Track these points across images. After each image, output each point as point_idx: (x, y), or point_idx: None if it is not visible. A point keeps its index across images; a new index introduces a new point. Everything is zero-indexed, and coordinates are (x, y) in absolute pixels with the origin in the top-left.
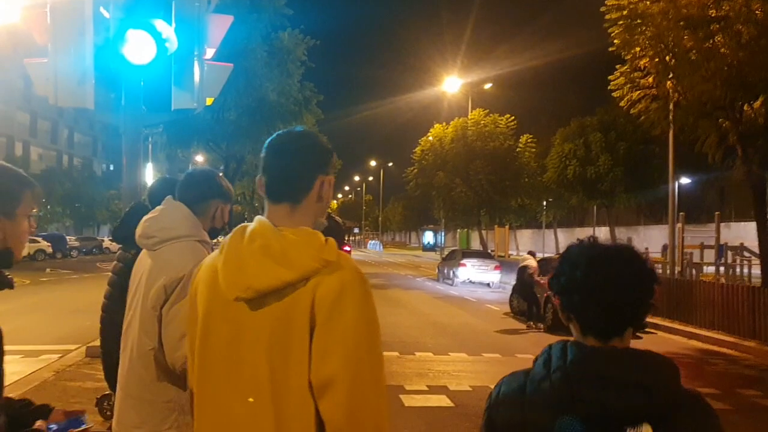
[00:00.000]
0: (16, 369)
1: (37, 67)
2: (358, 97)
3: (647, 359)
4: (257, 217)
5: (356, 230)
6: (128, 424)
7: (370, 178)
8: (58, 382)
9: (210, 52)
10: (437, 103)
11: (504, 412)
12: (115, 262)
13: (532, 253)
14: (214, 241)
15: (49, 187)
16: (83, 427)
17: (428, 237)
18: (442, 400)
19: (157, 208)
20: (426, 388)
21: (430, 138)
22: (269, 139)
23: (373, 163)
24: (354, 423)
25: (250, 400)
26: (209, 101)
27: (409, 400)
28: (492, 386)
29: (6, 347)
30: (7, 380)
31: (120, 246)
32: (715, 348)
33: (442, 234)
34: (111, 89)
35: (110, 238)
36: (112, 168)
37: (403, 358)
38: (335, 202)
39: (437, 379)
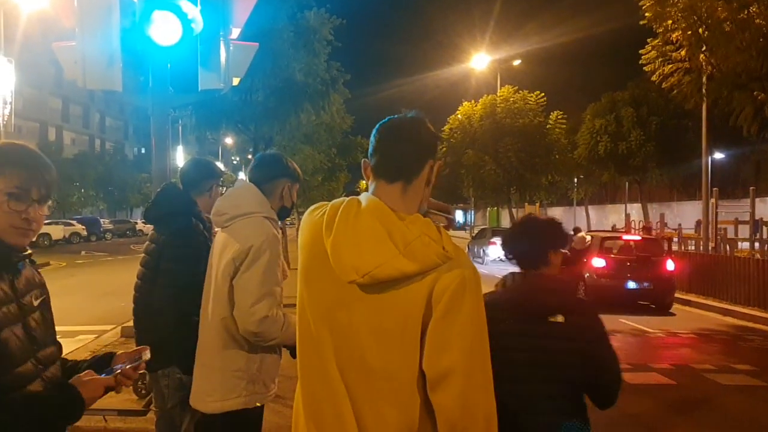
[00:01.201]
0: None
1: (65, 50)
2: (385, 75)
3: (559, 279)
4: (368, 196)
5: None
6: (200, 392)
7: None
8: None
9: (235, 32)
10: (465, 81)
11: None
12: (147, 242)
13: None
14: (288, 220)
15: (83, 171)
16: (140, 361)
17: (458, 216)
18: None
19: (230, 188)
20: None
21: (459, 116)
22: (381, 123)
23: None
24: (468, 413)
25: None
26: (236, 81)
27: None
28: None
29: None
30: None
31: (153, 227)
32: (751, 324)
33: (472, 213)
34: (139, 71)
35: (143, 219)
36: (143, 151)
37: None
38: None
39: None
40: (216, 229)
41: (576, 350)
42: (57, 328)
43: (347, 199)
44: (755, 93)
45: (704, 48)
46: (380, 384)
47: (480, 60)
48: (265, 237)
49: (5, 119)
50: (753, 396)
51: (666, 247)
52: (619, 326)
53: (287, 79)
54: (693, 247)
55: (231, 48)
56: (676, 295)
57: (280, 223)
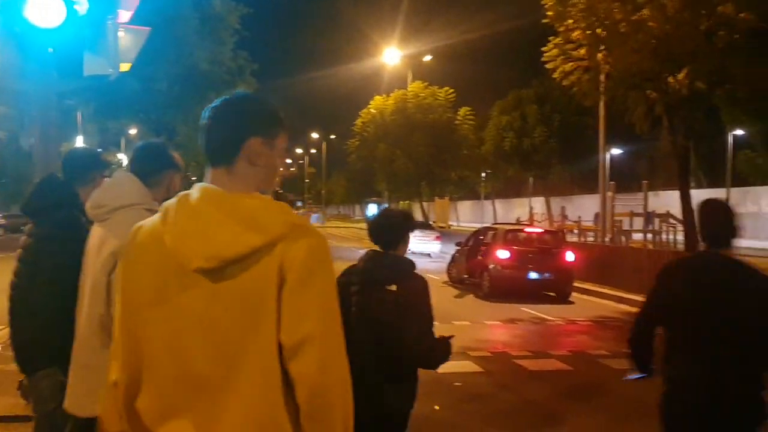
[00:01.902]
0: None
1: None
2: (299, 67)
3: (397, 256)
4: (200, 185)
5: (299, 203)
6: (78, 393)
7: (313, 151)
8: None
9: (126, 15)
10: (378, 75)
11: (341, 278)
12: (24, 237)
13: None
14: None
15: (2, 163)
16: None
17: (372, 209)
18: None
19: (107, 179)
20: None
21: (372, 110)
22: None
23: (315, 135)
24: (327, 377)
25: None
26: (126, 67)
27: None
28: None
29: None
30: None
31: (32, 221)
32: None
33: (386, 206)
34: (17, 54)
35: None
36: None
37: None
38: None
39: None
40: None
41: (400, 314)
42: None
43: (180, 194)
44: (648, 92)
45: (602, 48)
46: (249, 364)
47: (391, 55)
48: None
49: None
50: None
51: (563, 239)
52: (521, 315)
53: (191, 67)
54: (592, 239)
55: (120, 32)
56: (576, 284)
57: None
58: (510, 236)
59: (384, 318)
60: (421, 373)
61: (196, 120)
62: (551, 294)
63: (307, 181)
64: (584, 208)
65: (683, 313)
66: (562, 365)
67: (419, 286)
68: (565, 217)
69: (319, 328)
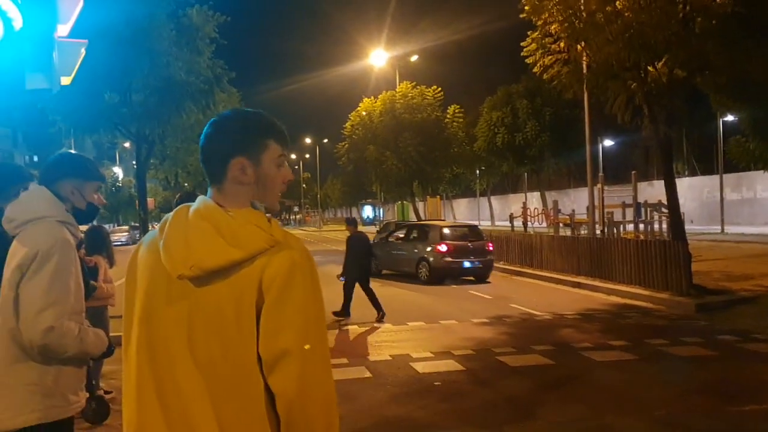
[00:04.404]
0: None
1: None
2: (286, 72)
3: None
4: (201, 197)
5: (296, 209)
6: None
7: (307, 156)
8: None
9: (65, 29)
10: (365, 77)
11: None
12: None
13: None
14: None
15: None
16: None
17: (367, 211)
18: (360, 371)
19: (22, 193)
20: (346, 361)
21: (363, 113)
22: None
23: (308, 140)
24: (305, 394)
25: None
26: (67, 80)
27: None
28: (412, 354)
29: None
30: None
31: None
32: (632, 302)
33: (380, 208)
34: None
35: None
36: (36, 159)
37: (330, 334)
38: None
39: (359, 350)
40: None
41: None
42: None
43: (181, 206)
44: (628, 82)
45: (579, 39)
46: (229, 375)
47: (378, 56)
48: (54, 241)
49: None
50: (623, 370)
51: (484, 236)
52: (510, 311)
53: (168, 78)
54: (585, 232)
55: (58, 46)
56: (567, 277)
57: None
58: (444, 232)
59: None
60: (401, 374)
61: (176, 130)
62: (474, 278)
63: (304, 186)
64: (580, 200)
65: None
66: (543, 359)
67: None
68: (557, 210)
69: (298, 343)
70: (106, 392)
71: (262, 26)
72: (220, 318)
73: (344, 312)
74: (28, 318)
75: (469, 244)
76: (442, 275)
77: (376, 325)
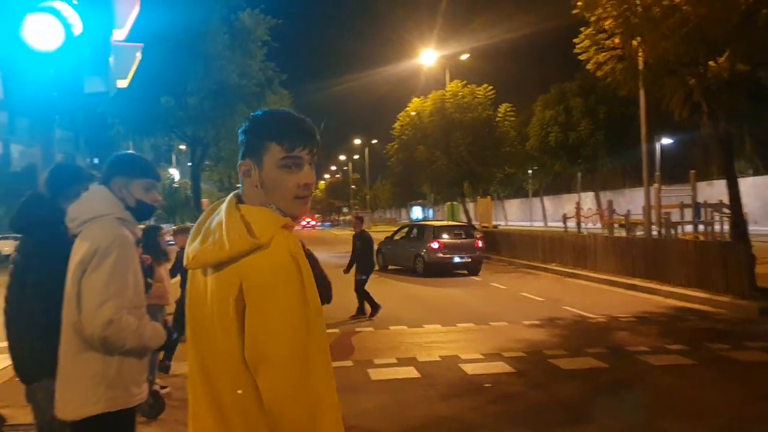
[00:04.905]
0: None
1: None
2: (334, 73)
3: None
4: (231, 193)
5: (344, 209)
6: (62, 401)
7: (356, 157)
8: None
9: (122, 34)
10: (415, 77)
11: None
12: (14, 252)
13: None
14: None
15: (33, 183)
16: None
17: (416, 212)
18: (410, 372)
19: (84, 193)
20: (395, 361)
21: (412, 113)
22: None
23: (357, 141)
24: (282, 402)
25: (239, 391)
26: (124, 83)
27: (376, 374)
28: (461, 355)
29: None
30: None
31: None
32: (690, 305)
33: (431, 209)
34: (19, 77)
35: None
36: (96, 161)
37: (377, 333)
38: (322, 182)
39: (408, 351)
40: None
41: None
42: None
43: (217, 202)
44: (686, 78)
45: (635, 35)
46: (230, 365)
47: (428, 56)
48: (113, 238)
49: None
50: (680, 374)
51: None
52: (563, 313)
53: (221, 81)
54: (641, 233)
55: (114, 50)
56: (622, 279)
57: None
58: (437, 230)
59: None
60: (450, 375)
61: (228, 133)
62: (465, 271)
63: (353, 187)
64: (636, 200)
65: None
66: (597, 362)
67: None
68: (612, 211)
69: (275, 350)
70: (162, 387)
71: (312, 27)
72: (218, 311)
73: (374, 309)
74: (89, 312)
75: (460, 242)
76: (435, 269)
77: (425, 326)
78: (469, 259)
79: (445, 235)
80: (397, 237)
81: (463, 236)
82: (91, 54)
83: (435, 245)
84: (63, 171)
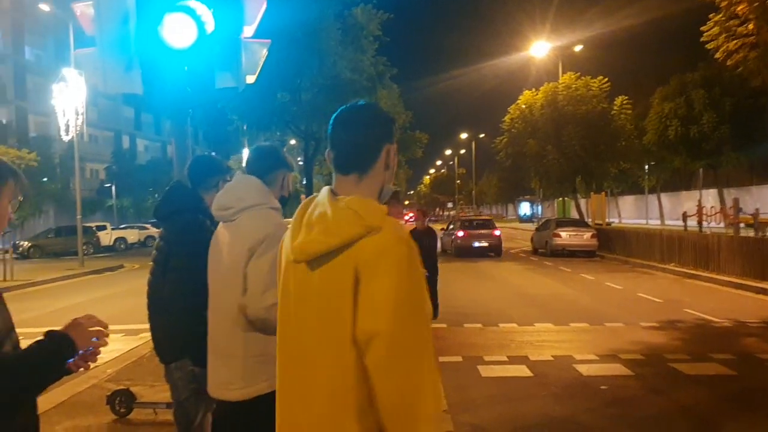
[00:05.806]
0: (116, 347)
1: (85, 57)
2: (442, 67)
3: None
4: (324, 188)
5: (450, 204)
6: (222, 381)
7: (462, 151)
8: (153, 357)
9: (250, 30)
10: (525, 69)
11: None
12: (157, 240)
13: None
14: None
15: (155, 176)
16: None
17: (524, 208)
18: (521, 370)
19: (230, 182)
20: (506, 359)
21: (523, 106)
22: (334, 115)
23: (464, 135)
24: (390, 379)
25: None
26: (251, 79)
27: (486, 371)
28: (575, 356)
29: (111, 327)
30: (108, 356)
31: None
32: None
33: (539, 205)
34: (156, 74)
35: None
36: (213, 155)
37: (486, 330)
38: (427, 177)
39: (519, 349)
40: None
41: None
42: (123, 327)
43: (312, 196)
44: None
45: None
46: (330, 352)
47: (540, 47)
48: (279, 226)
49: (78, 129)
50: None
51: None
52: (684, 316)
53: (334, 76)
54: None
55: (243, 46)
56: (750, 283)
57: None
58: (461, 220)
59: None
60: (564, 375)
61: None
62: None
63: (458, 182)
64: (765, 198)
65: None
66: (724, 369)
67: None
68: (738, 209)
69: (388, 326)
70: None
71: (422, 21)
72: (319, 300)
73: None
74: (254, 294)
75: (480, 231)
76: (461, 251)
77: (536, 324)
78: (486, 244)
79: (468, 226)
80: (450, 228)
81: (484, 227)
82: (222, 50)
83: (461, 233)
84: (203, 163)
